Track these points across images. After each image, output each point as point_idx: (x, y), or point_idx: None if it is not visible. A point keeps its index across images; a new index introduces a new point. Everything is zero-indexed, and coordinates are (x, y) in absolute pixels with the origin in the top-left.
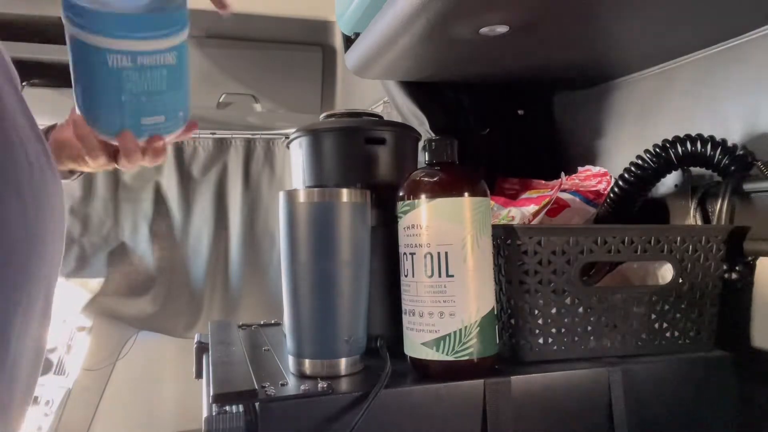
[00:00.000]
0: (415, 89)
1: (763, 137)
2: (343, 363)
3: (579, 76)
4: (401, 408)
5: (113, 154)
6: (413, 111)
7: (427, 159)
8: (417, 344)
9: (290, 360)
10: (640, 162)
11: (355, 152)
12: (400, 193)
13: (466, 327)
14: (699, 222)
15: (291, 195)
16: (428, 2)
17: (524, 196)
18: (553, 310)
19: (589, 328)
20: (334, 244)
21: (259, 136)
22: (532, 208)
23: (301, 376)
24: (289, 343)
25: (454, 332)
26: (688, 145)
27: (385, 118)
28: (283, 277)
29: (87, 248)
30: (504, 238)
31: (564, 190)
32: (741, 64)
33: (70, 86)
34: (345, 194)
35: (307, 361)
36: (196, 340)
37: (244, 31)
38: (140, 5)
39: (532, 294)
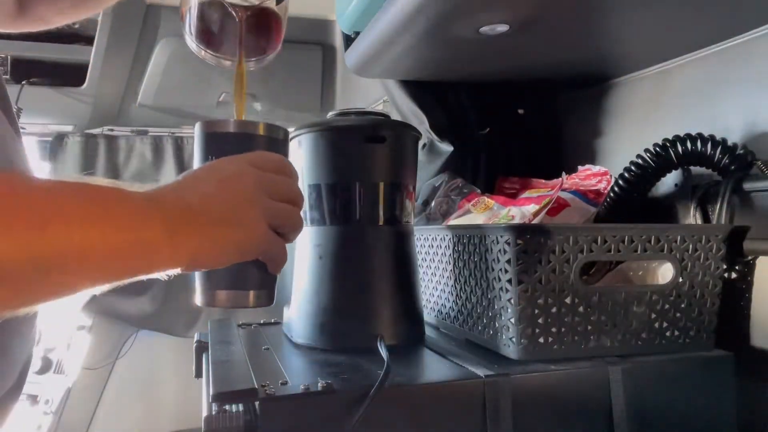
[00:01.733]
0: (415, 88)
1: (763, 137)
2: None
3: (579, 75)
4: (401, 407)
5: None
6: (413, 110)
7: None
8: None
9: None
10: (640, 161)
11: (354, 150)
12: None
13: None
14: (699, 221)
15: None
16: (428, 1)
17: (524, 195)
18: (553, 310)
19: (589, 327)
20: None
21: None
22: (533, 207)
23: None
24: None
25: None
26: (688, 145)
27: None
28: None
29: None
30: (504, 238)
31: (564, 189)
32: (741, 63)
33: (70, 86)
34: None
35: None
36: (195, 339)
37: None
38: None
39: (532, 293)
